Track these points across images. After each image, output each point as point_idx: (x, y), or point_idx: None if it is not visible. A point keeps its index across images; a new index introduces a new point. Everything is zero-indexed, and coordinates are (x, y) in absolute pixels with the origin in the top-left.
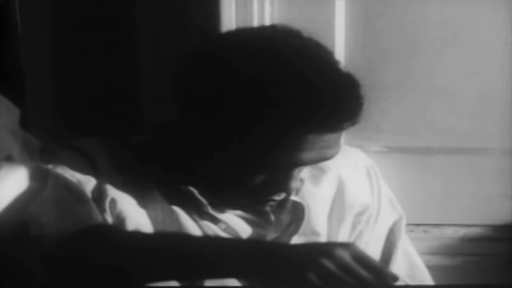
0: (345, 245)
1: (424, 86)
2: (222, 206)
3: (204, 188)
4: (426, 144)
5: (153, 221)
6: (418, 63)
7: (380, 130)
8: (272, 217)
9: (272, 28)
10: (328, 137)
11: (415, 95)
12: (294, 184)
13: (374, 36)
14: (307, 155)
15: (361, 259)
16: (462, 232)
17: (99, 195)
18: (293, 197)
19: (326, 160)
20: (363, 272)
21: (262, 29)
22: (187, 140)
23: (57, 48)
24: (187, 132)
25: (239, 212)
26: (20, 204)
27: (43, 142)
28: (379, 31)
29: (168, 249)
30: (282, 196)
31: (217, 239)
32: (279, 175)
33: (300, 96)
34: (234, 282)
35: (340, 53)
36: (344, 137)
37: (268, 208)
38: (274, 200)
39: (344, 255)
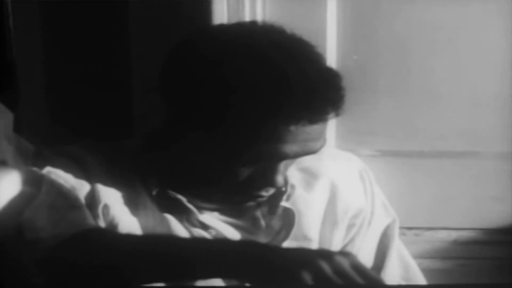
0: (345, 254)
1: (416, 89)
2: (211, 209)
3: (192, 192)
4: (418, 147)
5: (145, 227)
6: (410, 66)
7: (372, 134)
8: (263, 223)
9: (252, 23)
10: (311, 129)
11: (407, 98)
12: (280, 178)
13: (366, 39)
14: (290, 147)
15: (360, 269)
16: (454, 235)
17: (92, 201)
18: (284, 203)
19: (310, 153)
20: (359, 281)
21: (241, 24)
22: (172, 139)
23: (50, 53)
24: (171, 129)
25: (229, 219)
26: (15, 208)
27: (36, 147)
28: (371, 33)
29: (160, 251)
30: (270, 191)
31: (208, 241)
32: (264, 168)
33: (277, 87)
34: (225, 282)
35: (332, 56)
36: (336, 140)
37: (258, 214)
38: (262, 196)
39: (343, 262)
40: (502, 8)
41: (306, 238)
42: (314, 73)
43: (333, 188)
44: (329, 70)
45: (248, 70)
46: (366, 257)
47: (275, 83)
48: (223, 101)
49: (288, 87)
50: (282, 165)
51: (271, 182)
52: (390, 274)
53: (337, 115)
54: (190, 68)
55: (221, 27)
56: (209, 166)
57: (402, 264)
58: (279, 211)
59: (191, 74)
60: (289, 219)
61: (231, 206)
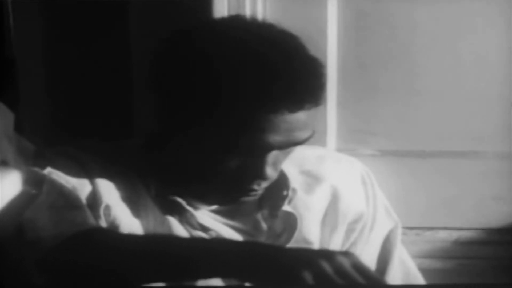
0: (346, 254)
1: (416, 89)
2: (210, 211)
3: (190, 193)
4: (419, 147)
5: (146, 229)
6: (411, 65)
7: (373, 134)
8: (264, 226)
9: (238, 17)
10: (292, 118)
11: (408, 98)
12: (270, 170)
13: (366, 39)
14: (274, 137)
15: (361, 269)
16: (455, 235)
17: (94, 201)
18: (285, 207)
19: (296, 144)
20: (361, 281)
21: (227, 18)
22: (166, 137)
23: (51, 52)
24: (164, 128)
25: (230, 221)
26: (15, 208)
27: (37, 147)
28: (372, 33)
29: (161, 251)
30: (262, 185)
31: (209, 241)
32: (252, 160)
33: (254, 76)
34: (225, 282)
35: (332, 56)
36: (337, 140)
37: (259, 217)
38: (254, 190)
39: (344, 262)
40: (503, 8)
41: (306, 241)
42: (293, 61)
43: (335, 192)
44: (310, 59)
45: (225, 61)
46: (368, 262)
47: (252, 71)
48: (204, 94)
49: (266, 76)
50: (270, 157)
51: (260, 175)
52: (392, 279)
53: (317, 104)
54: (175, 62)
55: (207, 22)
56: (200, 162)
57: (403, 269)
58: (281, 214)
59: (178, 68)
60: (290, 223)
61: (228, 204)
